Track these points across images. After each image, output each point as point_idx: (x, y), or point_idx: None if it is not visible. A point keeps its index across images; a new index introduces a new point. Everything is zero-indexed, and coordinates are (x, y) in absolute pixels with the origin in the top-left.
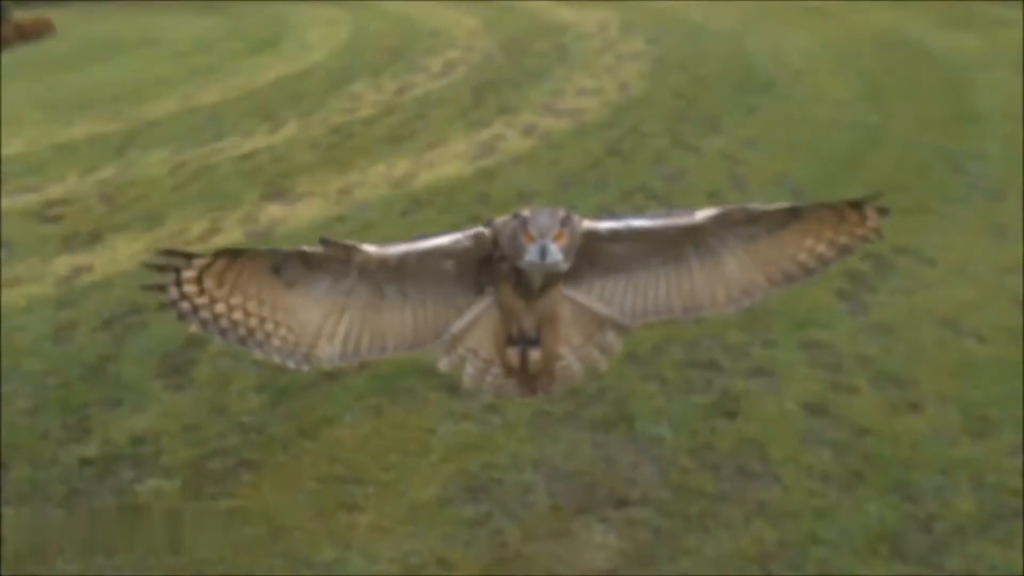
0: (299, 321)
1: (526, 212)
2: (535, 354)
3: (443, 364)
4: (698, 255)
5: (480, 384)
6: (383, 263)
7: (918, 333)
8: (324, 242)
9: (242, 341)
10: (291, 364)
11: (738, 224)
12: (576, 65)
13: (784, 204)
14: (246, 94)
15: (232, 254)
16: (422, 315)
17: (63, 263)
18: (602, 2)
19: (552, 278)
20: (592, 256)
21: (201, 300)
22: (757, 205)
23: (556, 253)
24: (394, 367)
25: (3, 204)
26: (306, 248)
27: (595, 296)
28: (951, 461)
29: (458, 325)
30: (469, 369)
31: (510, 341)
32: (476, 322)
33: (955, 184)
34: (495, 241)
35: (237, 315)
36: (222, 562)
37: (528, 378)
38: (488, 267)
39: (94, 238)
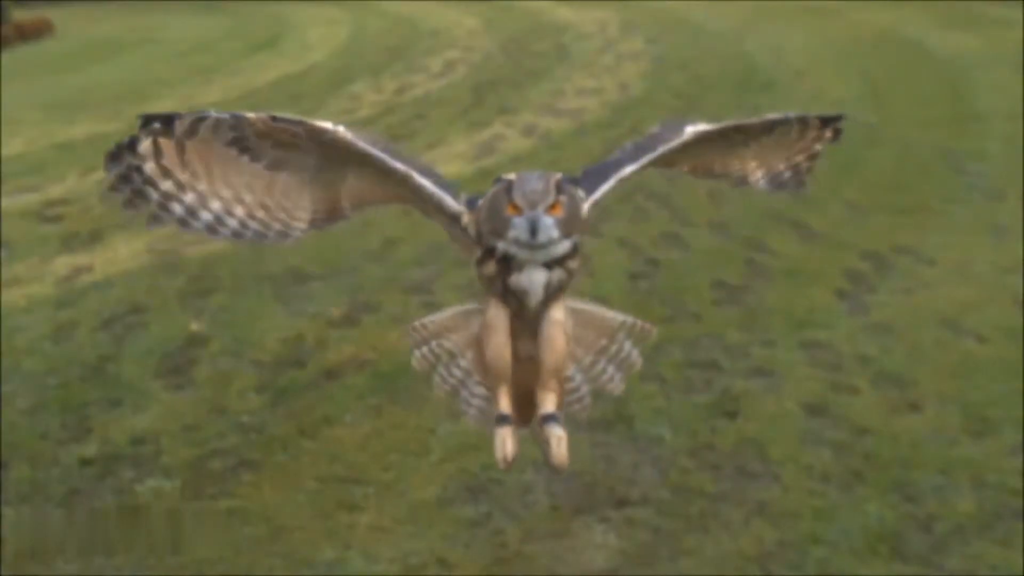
0: (294, 200)
1: (510, 175)
2: (557, 431)
3: (415, 359)
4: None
5: (458, 401)
6: (350, 149)
7: (918, 333)
8: (275, 118)
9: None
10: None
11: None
12: (576, 65)
13: (768, 117)
14: (246, 94)
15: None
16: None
17: (63, 263)
18: (602, 2)
19: (556, 282)
20: None
21: (189, 196)
22: (748, 121)
23: (551, 228)
24: (394, 367)
25: (3, 204)
26: (252, 115)
27: None
28: (951, 461)
29: (431, 318)
30: (442, 372)
31: (500, 419)
32: (456, 323)
33: (955, 184)
34: (477, 229)
35: (239, 210)
36: (222, 562)
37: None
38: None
39: (94, 238)
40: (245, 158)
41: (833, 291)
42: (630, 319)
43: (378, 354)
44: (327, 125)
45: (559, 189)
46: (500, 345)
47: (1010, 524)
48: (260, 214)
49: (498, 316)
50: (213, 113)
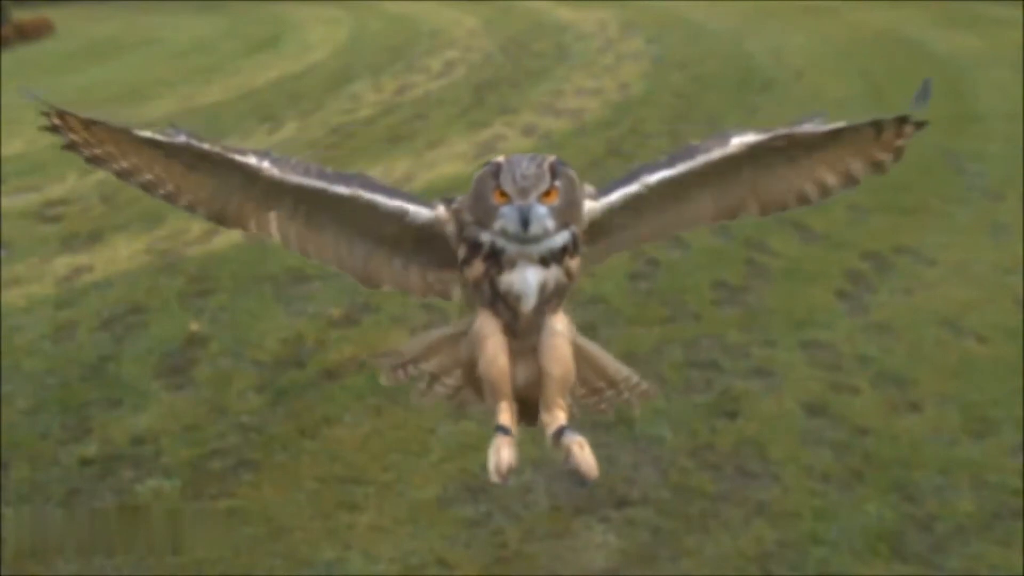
0: (217, 201)
1: (499, 158)
2: (576, 437)
3: (384, 378)
4: (703, 187)
5: (441, 401)
6: (281, 186)
7: (918, 333)
8: (188, 142)
9: (170, 200)
10: (224, 226)
11: (767, 150)
12: (576, 65)
13: (831, 126)
14: (246, 94)
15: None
16: (374, 261)
17: (63, 263)
18: (602, 2)
19: (553, 284)
20: (593, 231)
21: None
22: (803, 128)
23: (544, 218)
24: None
25: (3, 204)
26: (164, 137)
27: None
28: (951, 461)
29: (408, 348)
30: (421, 388)
31: (498, 430)
32: (438, 348)
33: (955, 184)
34: (458, 226)
35: (148, 176)
36: (222, 562)
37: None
38: (455, 268)
39: (94, 238)
40: (159, 152)
41: (833, 291)
42: (635, 376)
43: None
44: (250, 161)
45: (554, 173)
46: (495, 351)
47: (1010, 524)
48: (170, 187)
49: (489, 324)
50: (110, 123)
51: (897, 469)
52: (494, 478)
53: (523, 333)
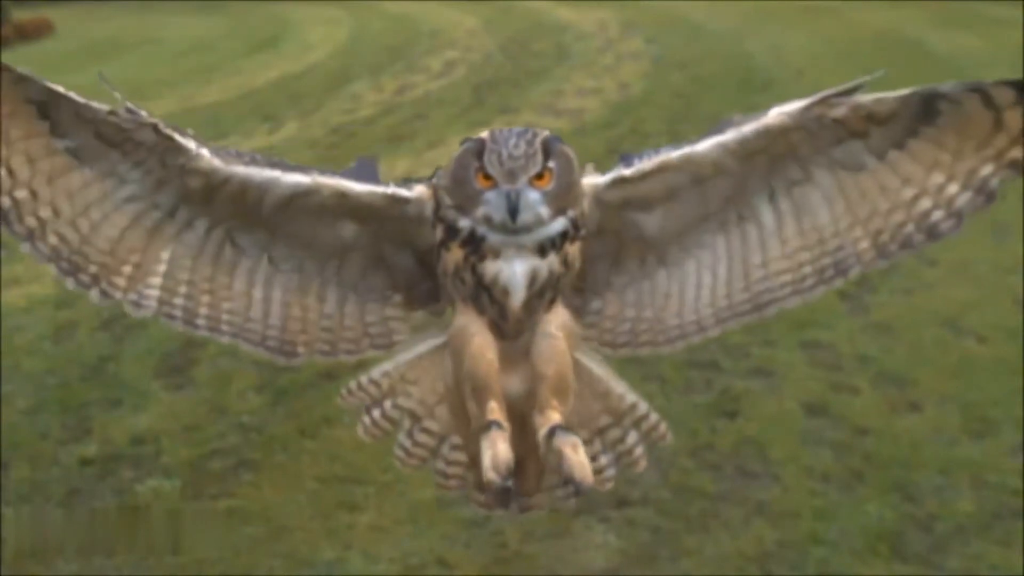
0: (88, 222)
1: (483, 133)
2: (570, 438)
3: (362, 429)
4: (773, 202)
5: (427, 469)
6: (214, 177)
7: (918, 333)
8: (112, 112)
9: (5, 220)
10: (72, 285)
11: (836, 136)
12: (576, 65)
13: (912, 91)
14: (246, 94)
15: None
16: (300, 303)
17: None
18: (602, 2)
19: (546, 274)
20: (614, 234)
21: None
22: (857, 95)
23: (536, 205)
24: None
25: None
26: (81, 99)
27: (611, 308)
28: (951, 461)
29: (381, 369)
30: (404, 443)
31: (489, 425)
32: (418, 372)
33: None
34: (436, 208)
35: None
36: (222, 562)
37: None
38: (432, 265)
39: None
40: (44, 125)
41: (833, 291)
42: (644, 405)
43: (377, 354)
44: (189, 144)
45: (547, 152)
46: (481, 348)
47: (1010, 524)
48: (20, 193)
49: (474, 322)
50: (46, 84)
51: (897, 469)
52: (491, 475)
53: (512, 333)
